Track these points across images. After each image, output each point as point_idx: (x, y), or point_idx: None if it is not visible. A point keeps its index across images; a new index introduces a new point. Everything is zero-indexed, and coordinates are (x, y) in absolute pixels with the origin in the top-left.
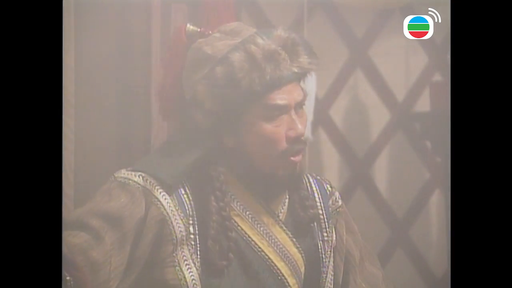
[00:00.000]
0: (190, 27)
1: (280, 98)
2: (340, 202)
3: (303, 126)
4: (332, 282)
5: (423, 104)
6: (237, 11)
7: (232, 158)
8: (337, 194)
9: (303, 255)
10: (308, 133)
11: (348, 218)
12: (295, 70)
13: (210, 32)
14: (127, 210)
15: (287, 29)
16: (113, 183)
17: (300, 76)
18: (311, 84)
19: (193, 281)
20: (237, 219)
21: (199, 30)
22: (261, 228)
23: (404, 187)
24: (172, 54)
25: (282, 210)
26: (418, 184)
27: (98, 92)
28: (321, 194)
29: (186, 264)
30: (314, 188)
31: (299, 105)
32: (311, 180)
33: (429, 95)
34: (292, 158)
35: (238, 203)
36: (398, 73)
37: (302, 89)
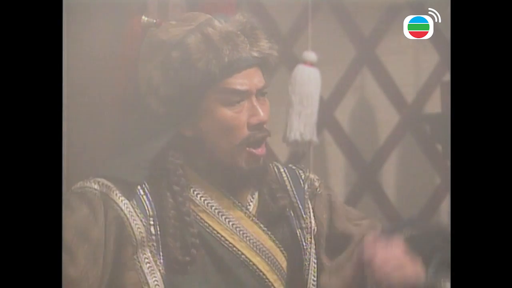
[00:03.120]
0: (145, 19)
1: (240, 83)
2: (317, 184)
3: (266, 113)
4: (316, 268)
5: (434, 105)
6: (238, 7)
7: (191, 149)
8: (312, 177)
9: (281, 248)
10: (312, 135)
11: (331, 198)
12: (255, 54)
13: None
14: (91, 221)
15: (245, 14)
16: (71, 196)
17: (261, 62)
18: (315, 83)
19: (156, 283)
20: (203, 215)
21: (155, 21)
22: (230, 223)
23: (413, 193)
24: (127, 47)
25: (251, 203)
26: (429, 190)
27: (91, 93)
28: (293, 183)
29: (148, 267)
30: (285, 178)
31: (260, 92)
32: (281, 169)
33: (440, 96)
34: (253, 150)
35: (202, 198)
36: (408, 72)
37: (263, 76)
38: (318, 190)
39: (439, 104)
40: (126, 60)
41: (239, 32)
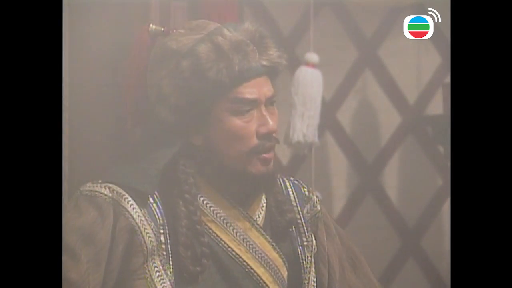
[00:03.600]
0: (153, 27)
1: (249, 92)
2: (318, 207)
3: (275, 122)
4: (315, 287)
5: (436, 106)
6: (240, 9)
7: (201, 158)
8: (315, 198)
9: (284, 260)
10: (314, 137)
11: (328, 222)
12: (264, 63)
13: (175, 31)
14: (98, 225)
15: (254, 22)
16: (80, 198)
17: (270, 70)
18: (317, 85)
19: None
20: (211, 225)
21: (162, 29)
22: (238, 234)
23: (415, 194)
24: (135, 56)
25: (260, 215)
26: (431, 191)
27: (93, 96)
28: (298, 198)
29: (158, 276)
30: (291, 192)
31: (269, 101)
32: (287, 183)
33: (442, 97)
34: (264, 155)
35: (211, 208)
36: (410, 74)
37: (272, 85)
38: (320, 213)
39: (441, 105)
40: (133, 67)
41: (248, 41)
